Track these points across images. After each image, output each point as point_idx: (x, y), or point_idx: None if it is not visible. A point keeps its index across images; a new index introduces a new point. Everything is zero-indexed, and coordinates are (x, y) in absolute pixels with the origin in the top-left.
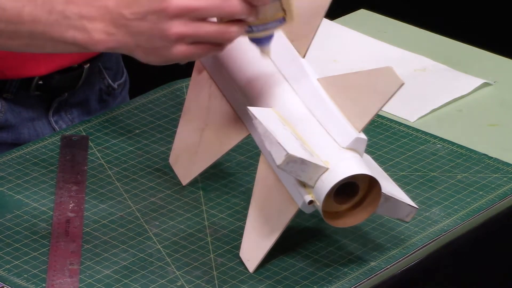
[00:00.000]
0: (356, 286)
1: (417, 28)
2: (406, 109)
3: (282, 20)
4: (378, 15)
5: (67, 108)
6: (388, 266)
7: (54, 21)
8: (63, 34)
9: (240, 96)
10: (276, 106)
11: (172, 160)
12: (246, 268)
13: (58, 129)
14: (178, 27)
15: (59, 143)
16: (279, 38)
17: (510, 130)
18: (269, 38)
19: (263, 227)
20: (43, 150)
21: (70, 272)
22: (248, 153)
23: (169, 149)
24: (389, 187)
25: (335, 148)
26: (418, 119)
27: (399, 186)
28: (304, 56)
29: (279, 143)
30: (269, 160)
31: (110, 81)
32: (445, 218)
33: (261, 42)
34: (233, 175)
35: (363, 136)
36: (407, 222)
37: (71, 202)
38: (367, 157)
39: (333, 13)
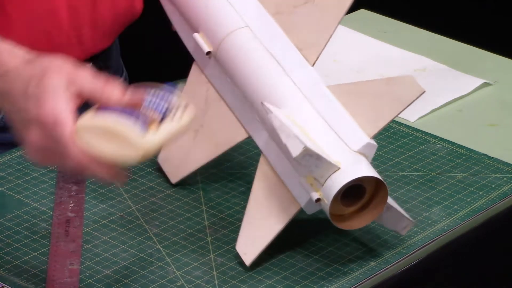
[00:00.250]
0: (356, 286)
1: (417, 28)
2: (406, 109)
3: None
4: (378, 15)
5: None
6: (388, 266)
7: None
8: None
9: (243, 98)
10: (286, 110)
11: (161, 158)
12: (246, 268)
13: None
14: (33, 136)
15: None
16: (287, 45)
17: (510, 130)
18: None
19: (262, 223)
20: None
21: (70, 272)
22: (248, 153)
23: None
24: (389, 199)
25: (346, 150)
26: (418, 119)
27: (399, 186)
28: (313, 65)
29: (296, 136)
30: (273, 160)
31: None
32: (445, 218)
33: None
34: (233, 175)
35: (373, 142)
36: (402, 236)
37: (71, 202)
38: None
39: None
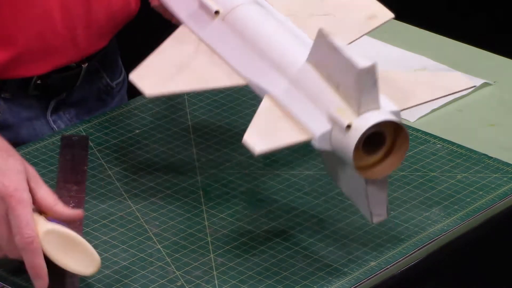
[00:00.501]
0: (356, 286)
1: (417, 28)
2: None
3: None
4: None
5: (66, 107)
6: (388, 266)
7: None
8: None
9: (258, 55)
10: None
11: (137, 74)
12: (246, 268)
13: (56, 128)
14: None
15: (59, 143)
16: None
17: (510, 130)
18: None
19: (276, 125)
20: (43, 150)
21: (70, 271)
22: (248, 153)
23: (170, 149)
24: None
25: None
26: (418, 119)
27: (399, 186)
28: None
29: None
30: (290, 102)
31: (108, 80)
32: (445, 218)
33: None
34: (233, 175)
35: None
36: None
37: (71, 202)
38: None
39: None
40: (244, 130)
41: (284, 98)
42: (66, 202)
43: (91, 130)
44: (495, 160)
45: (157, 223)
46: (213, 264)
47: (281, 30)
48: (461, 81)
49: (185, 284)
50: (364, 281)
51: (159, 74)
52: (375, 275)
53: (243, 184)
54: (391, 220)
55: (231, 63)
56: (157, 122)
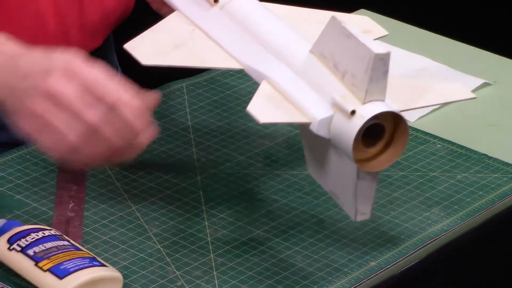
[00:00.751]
0: (356, 286)
1: (417, 28)
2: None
3: None
4: (378, 15)
5: None
6: (388, 266)
7: None
8: None
9: (258, 44)
10: None
11: (132, 45)
12: (246, 268)
13: None
14: (39, 106)
15: None
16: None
17: (510, 130)
18: None
19: (278, 105)
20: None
21: None
22: (248, 153)
23: (170, 149)
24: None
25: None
26: (418, 119)
27: (399, 186)
28: None
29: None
30: (291, 87)
31: None
32: (445, 218)
33: None
34: (233, 175)
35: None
36: (354, 222)
37: (71, 202)
38: None
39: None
40: (244, 130)
41: (285, 84)
42: (66, 202)
43: None
44: (495, 160)
45: (157, 223)
46: (213, 264)
47: (282, 24)
48: (462, 91)
49: (185, 284)
50: (364, 281)
51: (155, 47)
52: (375, 275)
53: (243, 184)
54: (391, 220)
55: (227, 48)
56: (157, 122)
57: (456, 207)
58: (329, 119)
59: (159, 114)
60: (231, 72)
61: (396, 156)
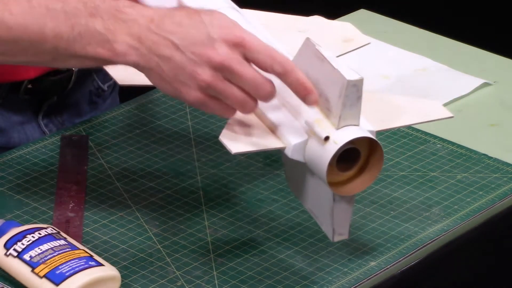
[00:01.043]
0: (356, 286)
1: (417, 28)
2: None
3: None
4: (378, 15)
5: (57, 111)
6: (388, 266)
7: (76, 36)
8: (85, 49)
9: None
10: None
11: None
12: (246, 268)
13: (48, 132)
14: (210, 77)
15: (59, 143)
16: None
17: (510, 130)
18: None
19: (250, 132)
20: (43, 150)
21: None
22: (247, 153)
23: (170, 149)
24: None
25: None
26: None
27: (399, 186)
28: None
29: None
30: (265, 107)
31: (99, 82)
32: (445, 218)
33: None
34: (233, 175)
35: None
36: (332, 243)
37: (71, 202)
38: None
39: (333, 13)
40: None
41: (260, 106)
42: (66, 202)
43: (91, 130)
44: (495, 160)
45: (157, 223)
46: (213, 264)
47: (261, 37)
48: (440, 110)
49: (185, 284)
50: (364, 281)
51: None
52: (375, 275)
53: (243, 184)
54: (391, 220)
55: None
56: (157, 122)
57: (456, 207)
58: (304, 144)
59: (159, 114)
60: None
61: (372, 179)
